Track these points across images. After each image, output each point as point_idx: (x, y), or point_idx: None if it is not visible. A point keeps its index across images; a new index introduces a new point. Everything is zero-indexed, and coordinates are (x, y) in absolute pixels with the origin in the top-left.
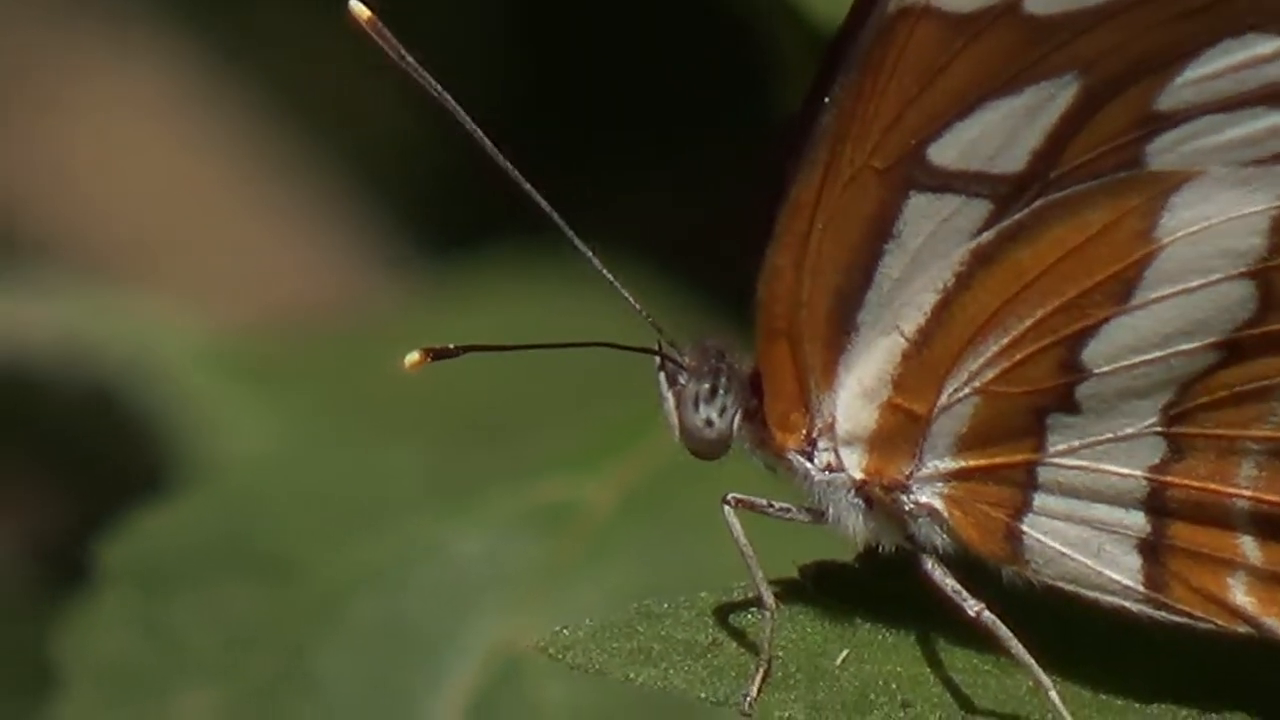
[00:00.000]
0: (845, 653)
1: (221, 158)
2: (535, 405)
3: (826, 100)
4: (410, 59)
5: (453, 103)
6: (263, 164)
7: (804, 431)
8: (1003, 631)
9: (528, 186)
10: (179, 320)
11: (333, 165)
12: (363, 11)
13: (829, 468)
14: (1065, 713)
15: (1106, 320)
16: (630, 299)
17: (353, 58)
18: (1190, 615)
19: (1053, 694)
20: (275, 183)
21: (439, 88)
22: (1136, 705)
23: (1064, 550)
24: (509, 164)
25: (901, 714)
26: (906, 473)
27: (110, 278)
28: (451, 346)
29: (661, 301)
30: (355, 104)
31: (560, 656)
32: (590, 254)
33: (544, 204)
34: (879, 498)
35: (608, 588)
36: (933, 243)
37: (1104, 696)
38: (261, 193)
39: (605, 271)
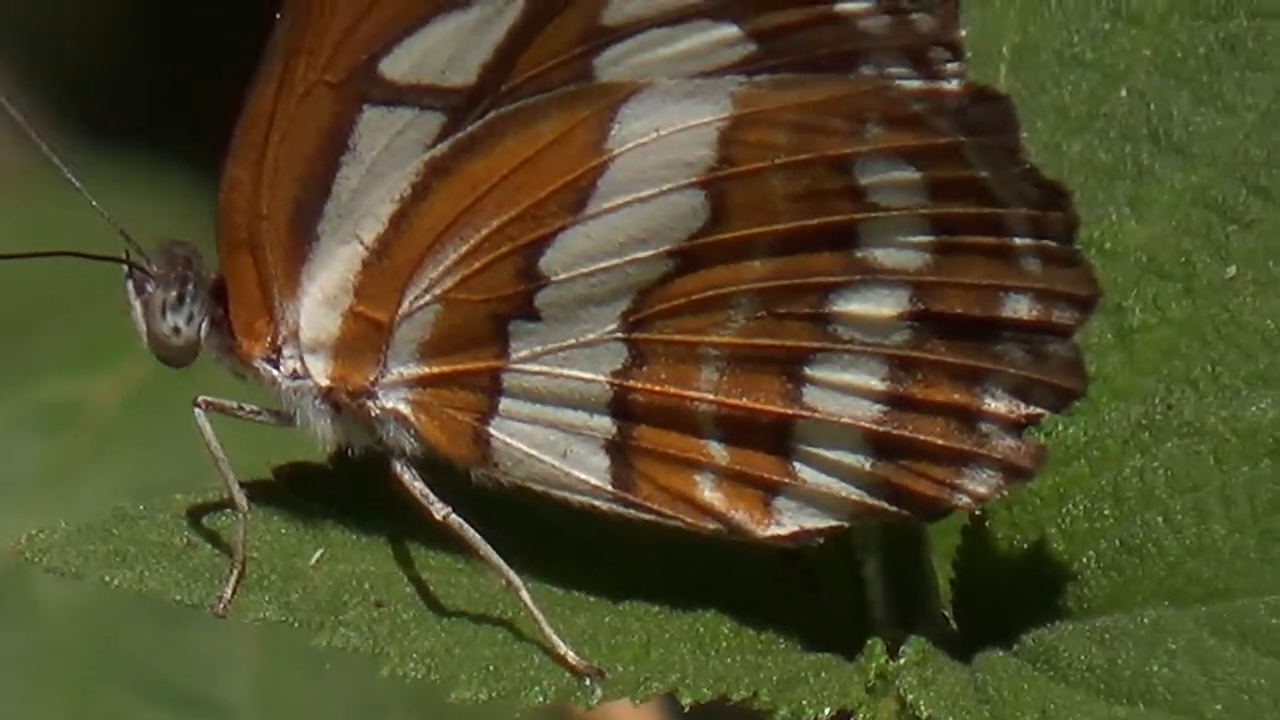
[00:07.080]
0: (320, 553)
1: None
2: (32, 306)
3: (279, 15)
4: None
5: None
6: None
7: (269, 339)
8: (469, 534)
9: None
10: None
11: None
12: None
13: (294, 374)
14: (536, 610)
15: (562, 229)
16: (98, 207)
17: None
18: (659, 513)
19: (523, 593)
20: None
21: None
22: (610, 602)
23: (531, 452)
24: None
25: (375, 613)
26: (371, 379)
27: None
28: None
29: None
30: None
31: (38, 560)
32: (57, 160)
33: (18, 116)
34: (345, 403)
35: (110, 487)
36: (388, 155)
37: (577, 594)
38: None
39: (73, 179)
